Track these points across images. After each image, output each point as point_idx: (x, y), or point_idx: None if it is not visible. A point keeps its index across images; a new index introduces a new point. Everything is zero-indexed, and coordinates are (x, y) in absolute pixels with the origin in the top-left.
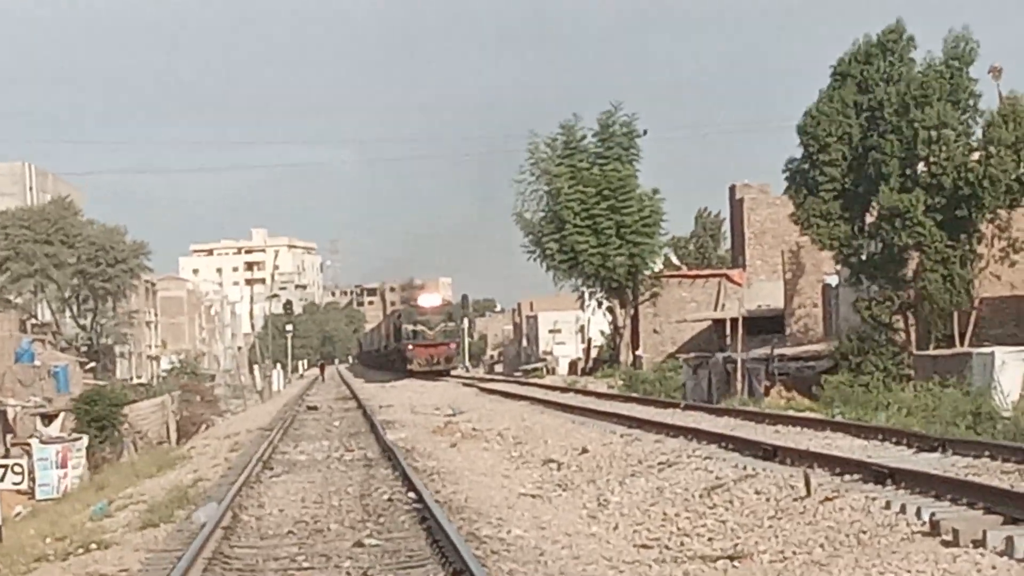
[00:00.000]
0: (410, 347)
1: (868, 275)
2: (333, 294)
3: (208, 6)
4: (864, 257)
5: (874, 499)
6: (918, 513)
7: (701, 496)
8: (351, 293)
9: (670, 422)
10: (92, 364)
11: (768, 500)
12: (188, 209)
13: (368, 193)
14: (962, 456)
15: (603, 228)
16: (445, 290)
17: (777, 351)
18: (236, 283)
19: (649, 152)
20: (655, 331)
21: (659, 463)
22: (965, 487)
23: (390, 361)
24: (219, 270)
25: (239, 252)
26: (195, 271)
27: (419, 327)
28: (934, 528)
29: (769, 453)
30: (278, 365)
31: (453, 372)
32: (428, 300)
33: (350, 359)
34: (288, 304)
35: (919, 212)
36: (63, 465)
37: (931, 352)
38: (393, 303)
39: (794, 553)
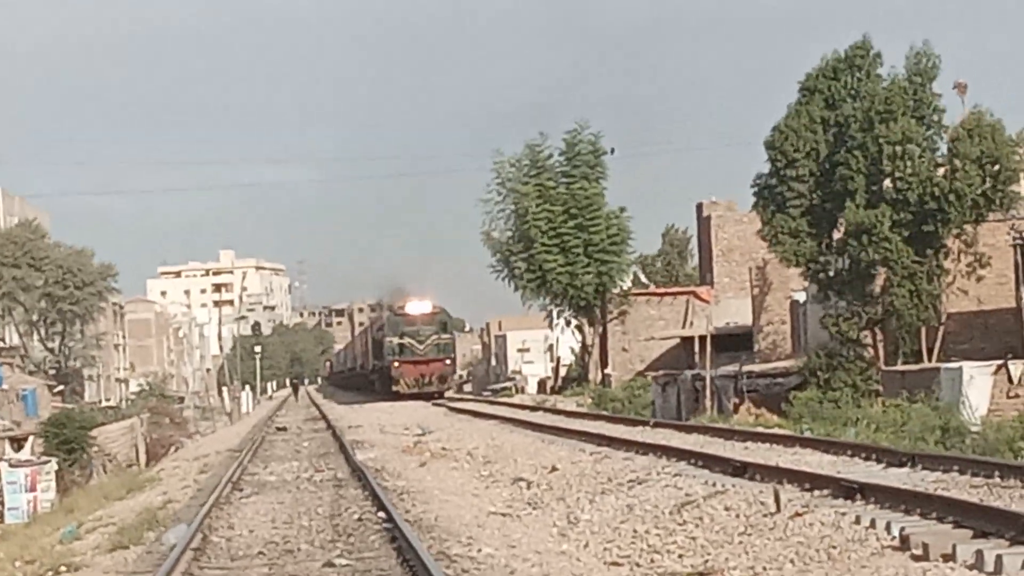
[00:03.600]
0: (396, 364)
1: (836, 291)
2: (301, 315)
3: (173, 27)
4: (831, 273)
5: (844, 514)
6: (888, 528)
7: (671, 513)
8: (319, 314)
9: (639, 440)
10: (60, 387)
11: (738, 516)
12: (155, 231)
13: (335, 214)
14: (931, 471)
15: (571, 247)
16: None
17: (746, 368)
18: (204, 305)
19: (615, 170)
20: (624, 349)
21: (629, 480)
22: (934, 502)
23: (369, 381)
24: (187, 292)
25: (207, 274)
26: (163, 293)
27: (407, 340)
28: (904, 543)
29: (739, 469)
30: (247, 387)
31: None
32: (418, 307)
33: (319, 380)
34: (256, 325)
35: (886, 228)
36: (32, 488)
37: (899, 368)
38: (362, 323)
39: (764, 569)
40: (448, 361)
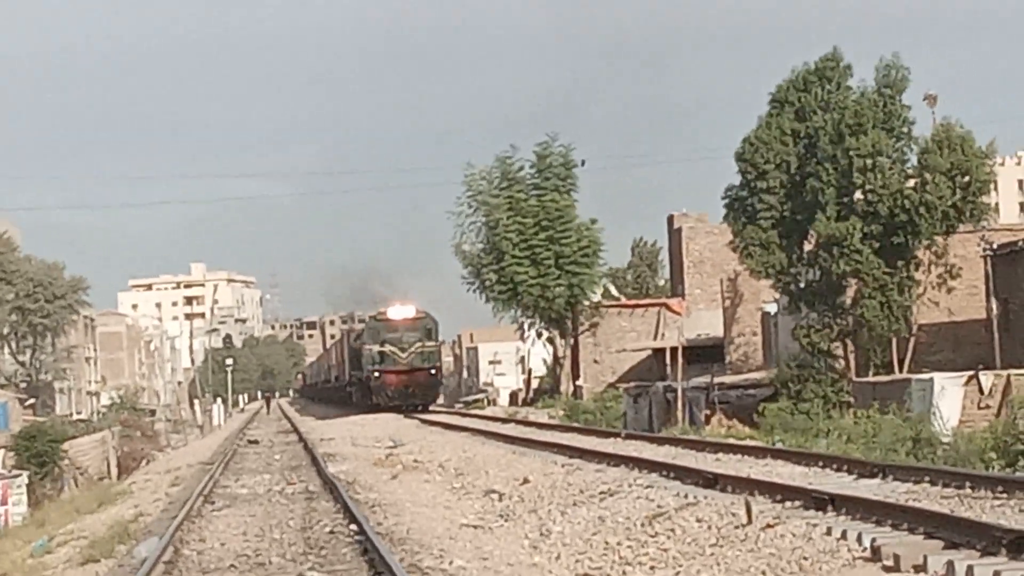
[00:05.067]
0: (376, 374)
1: (807, 303)
2: (273, 327)
3: (144, 40)
4: (802, 285)
5: (815, 525)
6: (859, 539)
7: (643, 525)
8: (291, 327)
9: (611, 451)
10: (31, 400)
11: (709, 528)
12: (126, 244)
13: (306, 227)
14: (902, 482)
15: (542, 259)
16: None
17: (717, 379)
18: (175, 318)
19: (586, 183)
20: (595, 361)
21: (601, 492)
22: (906, 512)
23: (346, 394)
24: (158, 305)
25: (178, 287)
26: (134, 306)
27: (388, 347)
28: (875, 554)
29: (710, 481)
30: (218, 399)
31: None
32: (400, 312)
33: (291, 393)
34: (228, 338)
35: (856, 240)
36: (3, 502)
37: (870, 379)
38: (333, 335)
39: None
40: (434, 371)
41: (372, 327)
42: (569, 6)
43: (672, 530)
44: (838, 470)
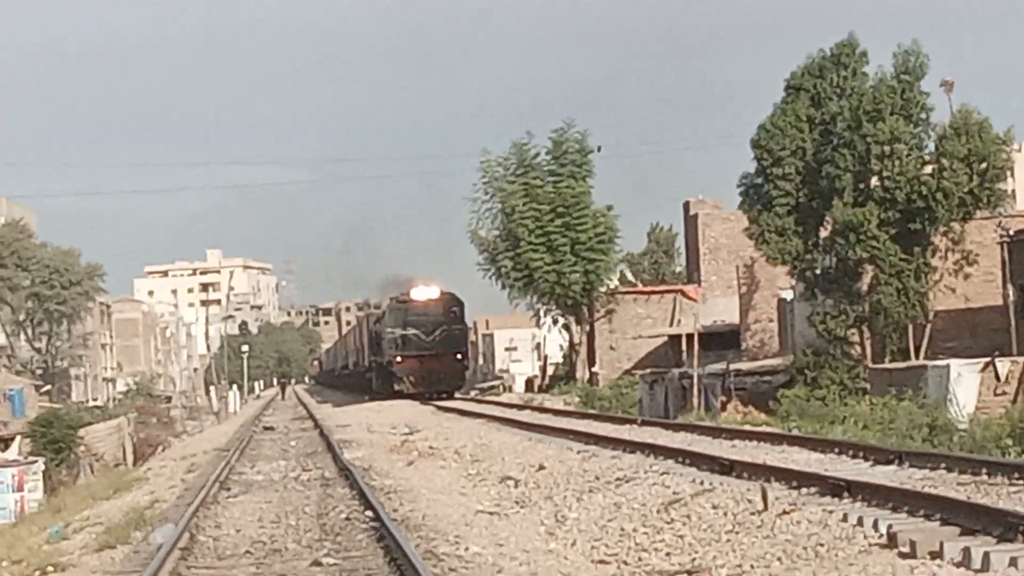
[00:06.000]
0: (399, 359)
1: (823, 289)
2: (289, 314)
3: (160, 30)
4: (819, 271)
5: (831, 512)
6: (875, 525)
7: (658, 511)
8: (307, 313)
9: (627, 438)
10: (47, 387)
11: (726, 514)
12: (142, 231)
13: (323, 213)
14: (918, 468)
15: (558, 245)
16: None
17: (733, 366)
18: (191, 304)
19: (601, 169)
20: (611, 347)
21: (616, 479)
22: (922, 499)
23: (365, 380)
24: (174, 291)
25: (194, 273)
26: (150, 293)
27: (411, 330)
28: (891, 540)
29: (726, 468)
30: (234, 386)
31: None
32: (424, 292)
33: (307, 379)
34: (243, 325)
35: (873, 226)
36: (19, 488)
37: (887, 365)
38: (349, 322)
39: (752, 567)
40: (460, 355)
41: (394, 309)
42: None
43: (688, 516)
44: (854, 457)
